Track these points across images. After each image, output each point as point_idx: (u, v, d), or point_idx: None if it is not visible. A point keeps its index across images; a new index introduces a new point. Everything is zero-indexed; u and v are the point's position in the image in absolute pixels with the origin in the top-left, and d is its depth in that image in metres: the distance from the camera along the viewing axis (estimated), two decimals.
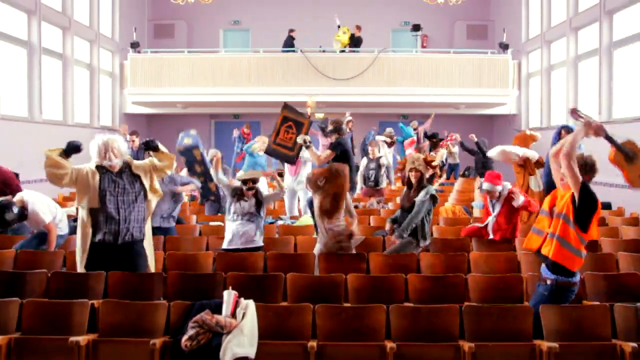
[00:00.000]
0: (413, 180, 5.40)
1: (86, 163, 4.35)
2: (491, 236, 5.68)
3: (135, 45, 14.05)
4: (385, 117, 16.95)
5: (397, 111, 16.39)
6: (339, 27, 14.08)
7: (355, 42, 14.23)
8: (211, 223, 6.87)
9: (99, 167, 4.31)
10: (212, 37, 17.05)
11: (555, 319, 3.83)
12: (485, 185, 5.64)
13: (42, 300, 4.10)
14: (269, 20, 16.51)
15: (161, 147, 4.56)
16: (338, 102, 14.09)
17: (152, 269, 4.65)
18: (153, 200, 4.53)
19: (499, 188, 5.58)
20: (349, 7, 16.60)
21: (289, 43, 14.13)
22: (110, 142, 4.30)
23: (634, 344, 3.58)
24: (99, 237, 4.26)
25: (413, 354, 3.70)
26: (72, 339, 3.66)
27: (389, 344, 3.67)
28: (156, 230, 5.59)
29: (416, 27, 14.89)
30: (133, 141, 8.92)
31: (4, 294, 4.14)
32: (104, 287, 4.40)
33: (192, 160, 7.03)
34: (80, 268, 4.36)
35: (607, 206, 8.35)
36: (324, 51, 14.19)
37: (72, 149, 4.21)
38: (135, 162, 4.49)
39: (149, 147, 4.52)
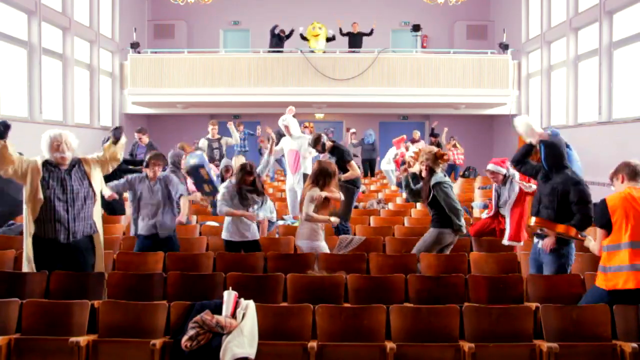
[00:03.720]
0: (424, 173, 5.36)
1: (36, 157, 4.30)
2: (508, 224, 5.54)
3: (135, 46, 14.05)
4: (385, 118, 16.97)
5: (397, 111, 16.40)
6: (302, 36, 13.89)
7: (354, 37, 14.15)
8: (211, 223, 6.87)
9: (47, 163, 4.28)
10: (212, 38, 17.06)
11: (555, 319, 3.84)
12: (490, 166, 5.64)
13: (42, 301, 4.10)
14: (269, 21, 16.48)
15: (121, 140, 4.59)
16: (338, 102, 14.10)
17: (101, 265, 4.63)
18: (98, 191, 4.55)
19: (503, 170, 5.57)
20: (349, 7, 16.61)
21: (277, 41, 14.08)
22: (63, 135, 4.29)
23: (634, 344, 3.58)
24: (46, 234, 4.25)
25: (413, 354, 3.69)
26: (72, 339, 3.66)
27: (389, 344, 3.67)
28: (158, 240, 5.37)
29: (416, 28, 14.90)
30: (140, 139, 8.92)
31: (4, 294, 4.13)
32: (104, 287, 4.42)
33: (200, 180, 7.08)
34: (28, 268, 4.36)
35: None
36: (324, 52, 14.19)
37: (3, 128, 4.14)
38: (86, 158, 4.46)
39: (116, 137, 4.54)
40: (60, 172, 4.31)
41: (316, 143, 6.79)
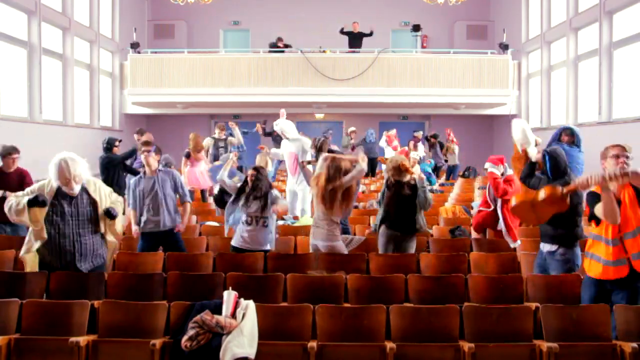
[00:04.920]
0: (391, 181, 5.32)
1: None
2: (501, 223, 5.60)
3: (135, 46, 14.05)
4: (385, 118, 16.96)
5: (397, 111, 16.40)
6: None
7: (354, 37, 14.22)
8: (211, 223, 6.87)
9: (55, 192, 4.18)
10: (212, 38, 17.06)
11: (555, 319, 3.84)
12: (487, 165, 5.65)
13: (42, 301, 4.10)
14: (269, 21, 16.50)
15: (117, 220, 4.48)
16: (338, 102, 14.10)
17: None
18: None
19: (500, 169, 5.59)
20: (349, 7, 16.62)
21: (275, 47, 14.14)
22: (72, 168, 4.11)
23: (634, 344, 3.58)
24: (54, 263, 4.23)
25: (413, 354, 3.69)
26: (72, 339, 3.66)
27: (389, 345, 3.67)
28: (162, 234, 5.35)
29: (416, 28, 14.90)
30: (139, 139, 8.94)
31: (4, 294, 4.13)
32: (104, 287, 4.42)
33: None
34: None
35: None
36: (324, 51, 14.20)
37: (36, 203, 4.10)
38: (95, 185, 4.35)
39: (109, 216, 4.40)
40: (68, 202, 4.20)
41: (320, 150, 6.78)
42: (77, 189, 4.21)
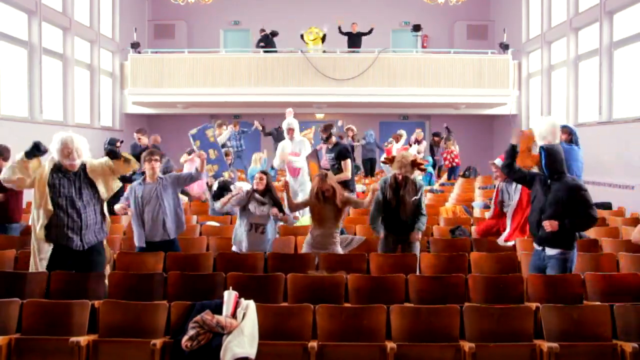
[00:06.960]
0: (399, 179, 5.24)
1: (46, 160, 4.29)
2: (508, 225, 5.52)
3: (135, 46, 14.05)
4: (385, 118, 16.97)
5: (398, 111, 16.40)
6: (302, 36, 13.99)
7: (354, 38, 14.23)
8: (211, 223, 6.87)
9: (56, 168, 4.26)
10: (212, 37, 17.06)
11: (555, 319, 3.84)
12: (498, 161, 5.59)
13: (42, 301, 4.10)
14: (269, 21, 16.49)
15: (125, 155, 4.49)
16: (338, 102, 14.10)
17: (108, 267, 4.65)
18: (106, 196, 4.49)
19: None
20: (349, 7, 16.61)
21: (267, 42, 14.08)
22: (75, 141, 4.24)
23: (634, 344, 3.58)
24: (59, 241, 4.25)
25: (413, 354, 3.70)
26: (73, 339, 3.66)
27: (390, 344, 3.67)
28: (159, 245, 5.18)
29: (416, 28, 14.89)
30: (140, 139, 8.93)
31: (4, 294, 4.14)
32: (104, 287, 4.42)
33: (206, 143, 7.12)
34: (34, 268, 4.39)
35: (607, 206, 8.36)
36: (324, 51, 14.20)
37: (35, 149, 4.19)
38: (91, 163, 4.39)
39: (112, 156, 4.43)
40: (69, 178, 4.28)
41: (326, 129, 7.07)
42: (77, 163, 4.27)
